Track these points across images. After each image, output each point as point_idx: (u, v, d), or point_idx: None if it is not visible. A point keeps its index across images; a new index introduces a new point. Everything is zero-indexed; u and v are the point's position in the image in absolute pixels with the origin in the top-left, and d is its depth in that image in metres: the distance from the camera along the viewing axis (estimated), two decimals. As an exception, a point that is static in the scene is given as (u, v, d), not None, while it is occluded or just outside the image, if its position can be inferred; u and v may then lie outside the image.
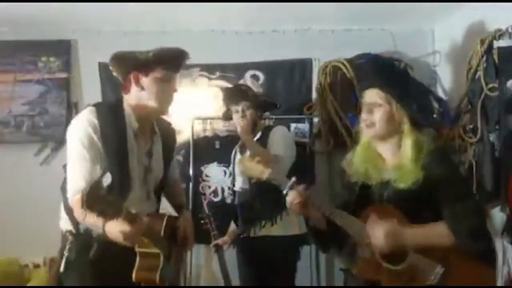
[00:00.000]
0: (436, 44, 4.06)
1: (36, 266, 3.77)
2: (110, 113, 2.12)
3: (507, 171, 2.79)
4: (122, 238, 1.85)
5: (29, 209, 3.71)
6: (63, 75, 4.04)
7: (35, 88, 4.00)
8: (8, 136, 3.95)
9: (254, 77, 4.12)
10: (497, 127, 2.90)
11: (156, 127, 2.29)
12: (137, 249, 2.05)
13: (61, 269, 2.10)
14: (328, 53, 3.91)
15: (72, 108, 3.99)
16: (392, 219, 1.86)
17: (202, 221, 3.32)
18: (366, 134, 2.02)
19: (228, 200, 3.88)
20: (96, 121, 2.04)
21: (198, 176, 3.98)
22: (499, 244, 2.88)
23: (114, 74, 2.21)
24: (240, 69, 4.11)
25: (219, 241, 3.26)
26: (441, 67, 4.02)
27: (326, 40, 4.03)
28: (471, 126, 3.09)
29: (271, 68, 4.11)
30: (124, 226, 1.81)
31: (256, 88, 4.05)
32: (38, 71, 4.02)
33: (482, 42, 3.00)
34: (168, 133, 2.38)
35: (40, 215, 3.60)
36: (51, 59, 4.02)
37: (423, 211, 1.90)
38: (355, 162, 2.05)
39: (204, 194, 3.99)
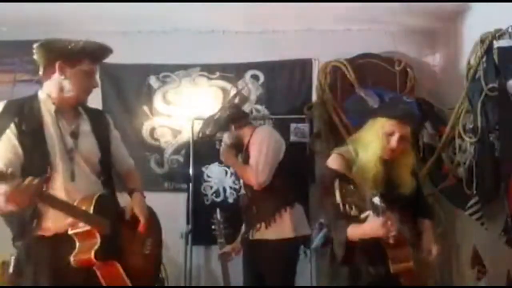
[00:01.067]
0: (436, 44, 4.07)
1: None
2: (22, 103, 2.21)
3: (507, 171, 2.79)
4: (4, 201, 1.88)
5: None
6: (63, 75, 4.04)
7: (35, 88, 3.92)
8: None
9: (254, 77, 4.13)
10: (497, 127, 2.90)
11: (80, 109, 2.31)
12: (70, 232, 2.10)
13: (11, 269, 2.20)
14: (328, 53, 3.91)
15: (72, 108, 3.98)
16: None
17: (213, 227, 3.31)
18: (386, 156, 2.26)
19: (230, 200, 3.88)
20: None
21: (200, 176, 3.98)
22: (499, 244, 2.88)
23: (36, 58, 2.27)
24: (240, 69, 4.12)
25: (227, 249, 3.27)
26: (441, 67, 4.02)
27: (326, 40, 4.03)
28: (471, 126, 3.09)
29: (271, 68, 4.12)
30: (1, 188, 1.86)
31: (255, 87, 4.07)
32: (38, 71, 4.01)
33: (482, 42, 3.00)
34: (96, 115, 2.40)
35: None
36: (51, 59, 4.02)
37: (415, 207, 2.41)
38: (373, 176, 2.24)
39: (206, 195, 3.99)
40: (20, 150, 2.10)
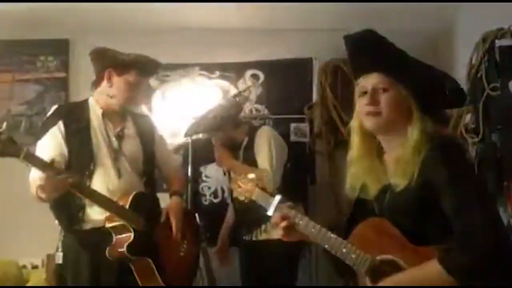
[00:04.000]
0: (437, 43, 4.04)
1: (35, 267, 3.76)
2: (73, 107, 2.46)
3: (509, 172, 2.78)
4: (37, 187, 2.05)
5: (27, 209, 3.66)
6: (61, 74, 4.03)
7: (33, 87, 3.99)
8: (6, 136, 3.93)
9: (254, 76, 4.11)
10: (499, 127, 2.88)
11: (126, 114, 2.47)
12: (107, 225, 2.24)
13: (60, 260, 2.34)
14: (328, 53, 3.88)
15: (70, 108, 3.97)
16: (387, 239, 1.54)
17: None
18: (369, 124, 1.66)
19: (229, 201, 3.86)
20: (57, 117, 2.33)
21: (198, 177, 3.96)
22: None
23: (93, 65, 2.45)
24: (240, 68, 4.10)
25: (217, 251, 3.28)
26: (442, 67, 3.99)
27: (326, 40, 4.00)
28: (473, 126, 3.07)
29: (271, 68, 4.10)
30: (37, 173, 2.03)
31: (255, 87, 4.04)
32: (36, 70, 4.01)
33: (484, 41, 2.98)
34: (142, 119, 2.55)
35: (38, 216, 3.57)
36: (49, 58, 4.01)
37: (428, 223, 1.52)
38: (352, 175, 1.73)
39: (205, 195, 3.97)
40: (65, 149, 2.29)
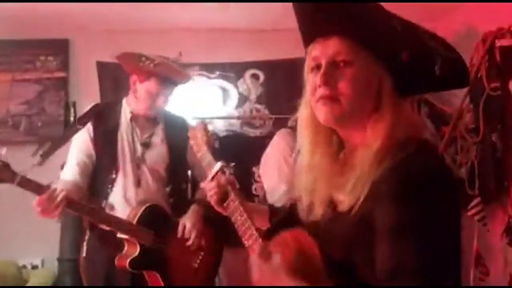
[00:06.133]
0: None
1: (34, 267, 3.75)
2: (106, 107, 2.39)
3: (509, 171, 2.78)
4: (39, 212, 2.05)
5: (26, 209, 3.66)
6: (61, 74, 4.02)
7: (33, 87, 3.98)
8: (6, 135, 3.92)
9: (254, 76, 4.10)
10: (499, 126, 2.88)
11: (158, 117, 2.40)
12: (118, 235, 2.22)
13: (83, 253, 2.37)
14: (329, 52, 3.87)
15: (70, 108, 3.95)
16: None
17: None
18: (322, 115, 1.12)
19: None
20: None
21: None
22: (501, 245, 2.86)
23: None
24: (240, 68, 4.09)
25: None
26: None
27: (326, 39, 3.99)
28: (473, 126, 3.07)
29: (271, 67, 4.09)
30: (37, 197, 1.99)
31: (255, 87, 4.04)
32: (36, 70, 4.00)
33: (484, 41, 2.98)
34: (175, 123, 2.45)
35: (38, 216, 3.58)
36: (49, 58, 4.00)
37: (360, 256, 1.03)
38: (303, 186, 1.19)
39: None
40: (93, 151, 2.28)
